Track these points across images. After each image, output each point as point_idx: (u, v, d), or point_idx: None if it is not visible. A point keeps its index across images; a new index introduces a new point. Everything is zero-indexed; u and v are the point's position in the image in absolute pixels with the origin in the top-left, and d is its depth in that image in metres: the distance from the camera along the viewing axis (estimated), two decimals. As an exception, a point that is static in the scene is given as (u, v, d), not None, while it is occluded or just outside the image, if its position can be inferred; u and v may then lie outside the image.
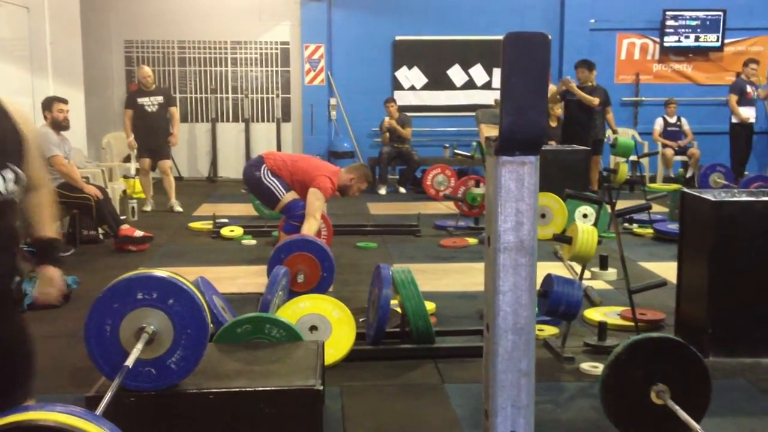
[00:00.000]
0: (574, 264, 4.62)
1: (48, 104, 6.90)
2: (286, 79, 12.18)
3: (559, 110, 10.29)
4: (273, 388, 3.00)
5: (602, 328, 4.39)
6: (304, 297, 4.21)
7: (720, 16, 11.79)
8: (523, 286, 2.29)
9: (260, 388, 3.00)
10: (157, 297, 2.86)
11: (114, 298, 2.87)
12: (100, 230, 7.23)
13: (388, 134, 10.89)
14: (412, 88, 12.00)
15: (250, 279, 5.84)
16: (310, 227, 5.60)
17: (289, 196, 5.87)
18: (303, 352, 3.37)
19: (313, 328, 4.06)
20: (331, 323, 4.09)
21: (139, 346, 2.78)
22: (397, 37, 11.84)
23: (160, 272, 2.96)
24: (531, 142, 2.22)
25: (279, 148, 11.72)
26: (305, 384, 3.02)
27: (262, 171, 5.91)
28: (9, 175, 2.18)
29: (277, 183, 5.88)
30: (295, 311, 4.08)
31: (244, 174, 6.13)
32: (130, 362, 2.71)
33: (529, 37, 2.18)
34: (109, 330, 2.86)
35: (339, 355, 4.04)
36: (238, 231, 7.55)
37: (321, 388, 3.03)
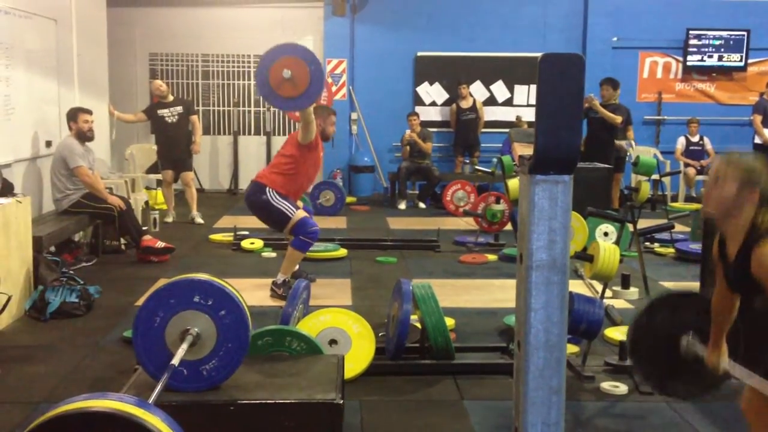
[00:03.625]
0: (595, 282, 4.61)
1: (73, 115, 6.98)
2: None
3: None
4: (293, 401, 3.01)
5: (623, 347, 4.36)
6: (323, 311, 4.22)
7: (744, 35, 11.74)
8: (555, 304, 2.30)
9: (281, 401, 3.01)
10: (211, 304, 2.98)
11: (173, 293, 2.99)
12: (123, 240, 7.28)
13: (408, 148, 10.91)
14: (433, 103, 12.02)
15: (270, 291, 5.85)
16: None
17: (299, 214, 5.79)
18: (323, 366, 3.38)
19: (332, 341, 4.06)
20: (350, 337, 4.09)
21: (185, 346, 2.90)
22: (419, 53, 11.88)
23: (220, 282, 3.06)
24: (565, 161, 2.24)
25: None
26: (325, 397, 3.03)
27: (269, 194, 5.73)
28: None
29: (287, 203, 5.75)
30: (315, 324, 4.09)
31: (249, 201, 5.90)
32: (176, 360, 2.83)
33: (565, 58, 2.20)
34: (158, 322, 2.99)
35: (358, 369, 4.03)
36: (258, 243, 7.58)
37: (341, 401, 3.03)
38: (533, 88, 11.63)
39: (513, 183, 7.41)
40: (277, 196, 5.76)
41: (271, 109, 12.17)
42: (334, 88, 11.82)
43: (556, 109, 2.19)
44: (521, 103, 12.01)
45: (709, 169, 2.51)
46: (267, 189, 5.77)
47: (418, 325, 4.36)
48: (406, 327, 4.11)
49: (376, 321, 4.77)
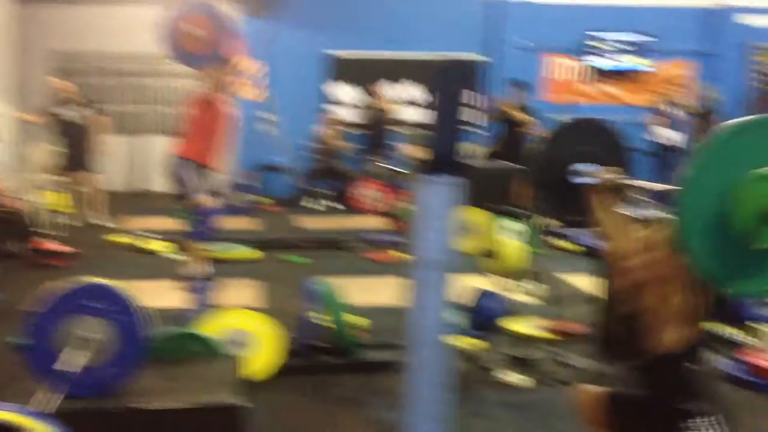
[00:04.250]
0: (498, 277, 4.70)
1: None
2: (219, 93, 12.05)
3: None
4: (192, 406, 2.96)
5: (525, 340, 4.46)
6: (230, 312, 4.17)
7: (647, 40, 12.15)
8: (442, 302, 2.34)
9: (179, 406, 2.96)
10: (107, 309, 2.91)
11: (67, 298, 2.91)
12: (22, 244, 7.02)
13: (322, 146, 10.89)
14: (346, 103, 12.03)
15: (173, 294, 5.73)
16: None
17: (203, 201, 5.74)
18: (224, 368, 3.35)
19: (238, 343, 4.01)
20: (258, 338, 4.06)
21: (79, 351, 2.80)
22: (333, 53, 11.87)
23: (117, 286, 2.97)
24: (456, 164, 2.29)
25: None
26: (226, 401, 3.00)
27: (185, 167, 5.63)
28: None
29: (199, 184, 5.63)
30: (219, 326, 4.03)
31: (172, 178, 5.85)
32: (70, 367, 2.75)
33: (459, 64, 2.27)
34: (51, 327, 2.90)
35: (266, 370, 4.00)
36: (164, 245, 7.43)
37: (242, 404, 3.00)
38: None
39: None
40: (193, 172, 5.67)
41: (174, 108, 11.93)
42: (252, 89, 11.68)
43: (448, 114, 2.24)
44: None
45: None
46: (182, 160, 5.72)
47: (327, 324, 4.36)
48: (314, 327, 4.11)
49: (285, 321, 4.73)
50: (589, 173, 3.23)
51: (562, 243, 8.02)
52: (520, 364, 4.32)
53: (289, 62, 11.75)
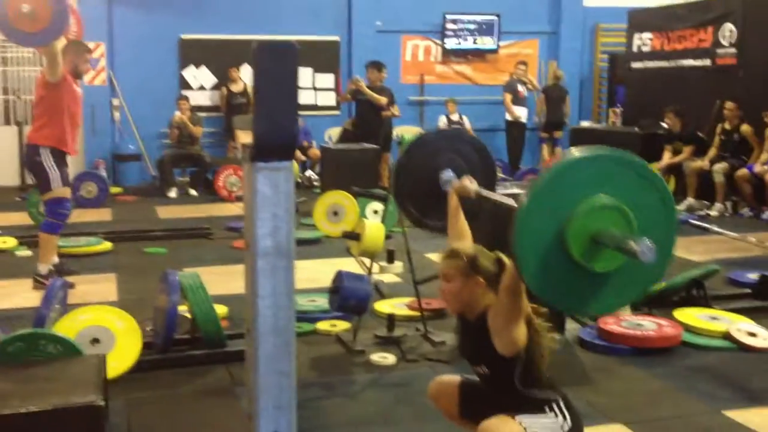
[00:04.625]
0: (365, 259, 4.74)
1: None
2: (63, 79, 11.43)
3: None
4: (49, 408, 2.82)
5: (391, 320, 4.53)
6: (84, 309, 3.99)
7: (495, 20, 12.53)
8: (282, 290, 2.33)
9: (35, 409, 2.80)
10: None
11: None
12: None
13: (177, 131, 10.56)
14: (201, 88, 11.73)
15: (25, 293, 5.44)
16: None
17: (63, 191, 5.55)
18: (83, 368, 3.20)
19: (95, 341, 3.85)
20: (114, 334, 3.90)
21: None
22: (183, 36, 11.52)
23: None
24: (285, 148, 2.27)
25: (58, 152, 11.01)
26: (85, 401, 2.87)
27: (42, 155, 5.48)
28: None
29: (58, 173, 5.51)
30: (74, 324, 3.85)
31: (27, 166, 5.81)
32: None
33: (279, 46, 2.25)
34: None
35: (124, 366, 3.86)
36: (11, 242, 7.00)
37: (103, 403, 2.89)
38: (304, 71, 11.73)
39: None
40: (51, 160, 5.49)
41: (22, 97, 11.26)
42: (92, 73, 11.16)
43: (273, 97, 2.23)
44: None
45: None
46: (40, 149, 5.50)
47: (188, 315, 4.26)
48: (174, 319, 4.00)
49: (145, 315, 4.59)
50: (450, 182, 3.36)
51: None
52: (385, 343, 4.38)
53: (142, 46, 11.31)
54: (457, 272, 2.61)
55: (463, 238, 2.99)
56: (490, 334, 2.51)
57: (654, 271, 2.29)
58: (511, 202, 2.91)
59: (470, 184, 3.20)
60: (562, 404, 2.57)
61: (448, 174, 3.58)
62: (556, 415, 2.54)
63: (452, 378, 2.87)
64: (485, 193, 3.24)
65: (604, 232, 2.18)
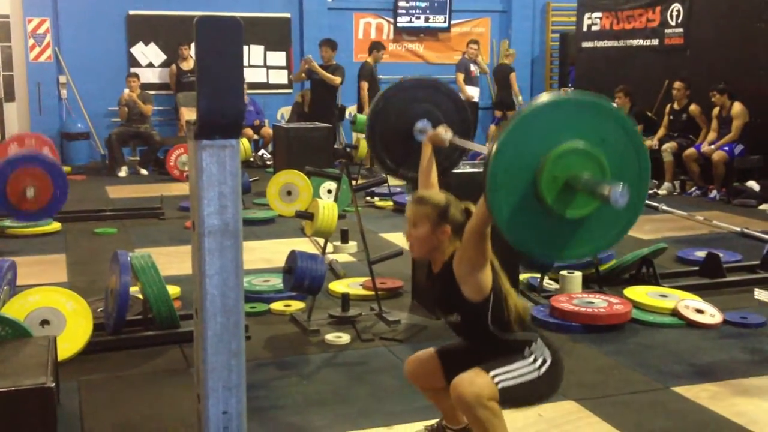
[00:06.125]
0: (319, 239, 4.72)
1: None
2: (7, 56, 11.12)
3: None
4: (-1, 391, 2.77)
5: (345, 299, 4.53)
6: (33, 290, 3.91)
7: (447, -2, 12.52)
8: (229, 269, 2.31)
9: (-21, 393, 2.75)
10: None
11: None
12: None
13: (126, 110, 10.36)
14: (150, 65, 11.51)
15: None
16: None
17: None
18: (32, 350, 3.14)
19: (44, 322, 3.78)
20: (65, 316, 3.84)
21: None
22: (131, 12, 11.27)
23: None
24: (230, 125, 2.24)
25: (3, 130, 10.74)
26: (35, 383, 2.82)
27: None
28: None
29: None
30: (23, 306, 3.78)
31: None
32: None
33: (222, 21, 2.21)
34: None
35: (75, 348, 3.81)
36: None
37: (53, 385, 2.84)
38: (256, 48, 11.58)
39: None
40: None
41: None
42: (37, 50, 10.87)
43: (217, 73, 2.19)
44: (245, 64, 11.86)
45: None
46: None
47: (140, 296, 4.21)
48: (126, 299, 3.95)
49: (95, 296, 4.54)
50: (426, 130, 3.39)
51: (376, 201, 8.18)
52: (340, 323, 4.39)
53: (89, 22, 11.03)
54: (426, 219, 2.61)
55: (433, 188, 2.99)
56: (456, 281, 2.53)
57: (626, 216, 2.29)
58: (484, 149, 2.91)
59: (445, 132, 3.21)
60: (538, 344, 2.60)
61: (422, 123, 3.58)
62: (533, 359, 2.56)
63: (427, 351, 2.86)
64: (458, 141, 3.24)
65: (578, 176, 2.17)
